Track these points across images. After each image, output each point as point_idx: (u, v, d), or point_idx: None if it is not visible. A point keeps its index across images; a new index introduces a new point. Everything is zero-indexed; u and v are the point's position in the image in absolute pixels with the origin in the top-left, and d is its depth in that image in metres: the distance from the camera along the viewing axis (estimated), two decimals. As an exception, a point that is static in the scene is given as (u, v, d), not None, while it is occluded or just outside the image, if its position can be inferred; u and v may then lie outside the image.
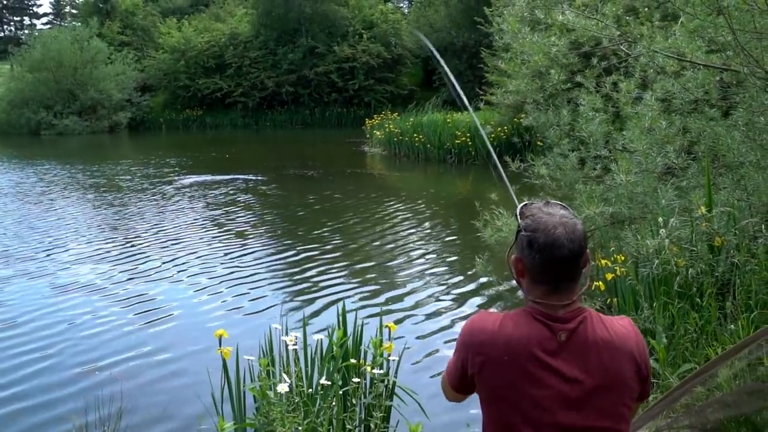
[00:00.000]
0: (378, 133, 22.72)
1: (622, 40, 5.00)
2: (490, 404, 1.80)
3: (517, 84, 5.94)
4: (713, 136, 4.67)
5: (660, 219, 4.37)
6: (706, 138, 4.78)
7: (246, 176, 17.66)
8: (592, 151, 5.29)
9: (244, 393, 3.57)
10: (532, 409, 1.72)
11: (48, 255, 9.47)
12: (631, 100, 5.01)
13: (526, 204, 1.86)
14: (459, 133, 18.75)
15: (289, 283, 8.10)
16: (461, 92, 2.81)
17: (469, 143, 18.42)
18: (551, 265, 1.73)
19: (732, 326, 3.71)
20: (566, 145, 5.43)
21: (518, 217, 1.82)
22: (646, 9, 5.75)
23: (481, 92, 15.58)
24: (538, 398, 1.71)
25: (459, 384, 1.87)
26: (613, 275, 4.73)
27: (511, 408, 1.75)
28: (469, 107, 3.13)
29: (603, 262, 4.83)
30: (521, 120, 15.80)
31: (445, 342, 6.10)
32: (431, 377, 5.19)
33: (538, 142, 13.45)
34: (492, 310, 6.80)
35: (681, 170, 4.86)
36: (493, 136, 17.84)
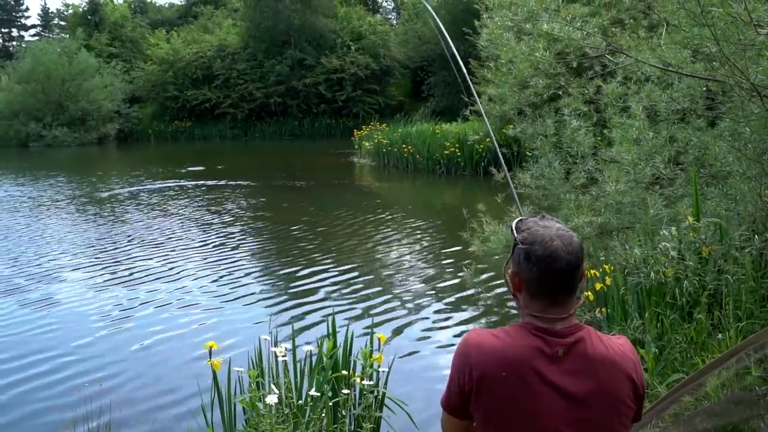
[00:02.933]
0: (367, 143, 22.77)
1: (608, 49, 5.04)
2: (487, 422, 1.77)
3: (501, 92, 5.96)
4: (700, 146, 4.70)
5: (649, 229, 4.40)
6: (693, 148, 4.81)
7: (234, 187, 17.64)
8: (578, 161, 5.32)
9: (234, 404, 3.55)
10: (531, 425, 1.71)
11: (33, 267, 9.39)
12: (617, 103, 5.03)
13: (521, 219, 1.86)
14: (448, 144, 18.81)
15: (278, 294, 8.07)
16: (467, 75, 2.82)
17: (458, 154, 18.48)
18: (549, 278, 1.72)
19: (720, 336, 3.72)
20: (552, 155, 5.46)
21: (514, 231, 1.81)
22: (632, 21, 5.81)
23: (470, 103, 15.63)
24: (537, 414, 1.70)
25: (458, 407, 1.82)
26: (602, 285, 4.75)
27: (509, 425, 1.73)
28: (474, 91, 3.14)
29: (591, 272, 4.84)
30: (508, 130, 15.97)
31: (435, 352, 6.09)
32: (421, 388, 5.19)
33: (527, 153, 13.56)
34: (482, 322, 6.84)
35: (669, 180, 4.89)
36: (481, 147, 17.92)
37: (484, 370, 1.73)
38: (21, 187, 18.80)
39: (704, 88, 4.72)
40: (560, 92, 5.57)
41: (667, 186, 4.92)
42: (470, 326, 6.74)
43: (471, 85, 2.99)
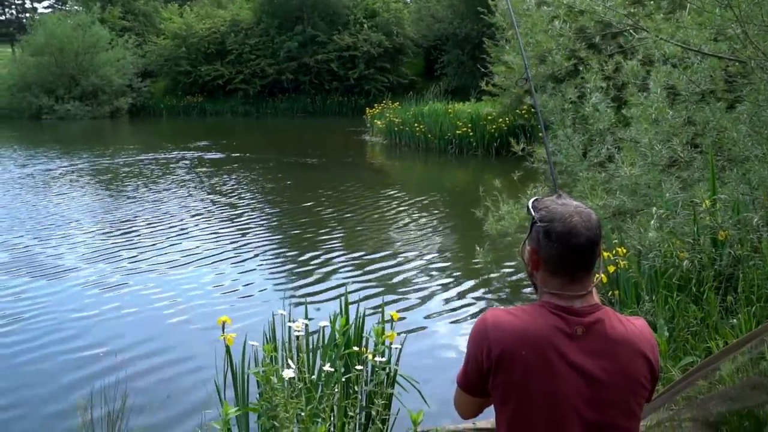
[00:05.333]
0: (379, 122, 22.69)
1: (629, 26, 4.97)
2: (505, 401, 1.77)
3: (520, 65, 5.89)
4: (718, 129, 4.66)
5: (663, 212, 4.37)
6: (711, 130, 4.77)
7: (246, 163, 17.66)
8: (596, 138, 5.27)
9: (248, 379, 3.58)
10: (549, 404, 1.71)
11: (47, 242, 9.46)
12: (637, 80, 4.98)
13: (537, 198, 1.86)
14: (460, 123, 18.72)
15: (290, 271, 8.11)
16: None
17: (470, 134, 18.39)
18: (569, 254, 1.73)
19: (734, 320, 3.72)
20: (571, 130, 5.41)
21: (531, 210, 1.82)
22: (652, 1, 5.73)
23: (484, 82, 15.53)
24: (556, 393, 1.70)
25: (475, 385, 1.82)
26: (615, 268, 4.74)
27: (527, 404, 1.73)
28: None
29: (605, 254, 4.83)
30: (524, 110, 15.89)
31: (446, 330, 6.12)
32: (432, 366, 5.22)
33: (539, 134, 13.48)
34: (494, 302, 6.84)
35: (686, 163, 4.85)
36: (494, 127, 17.85)
37: (504, 349, 1.73)
38: (37, 159, 18.85)
39: (724, 71, 4.66)
40: (579, 68, 5.52)
41: (684, 169, 4.88)
42: (482, 304, 6.76)
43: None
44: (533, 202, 1.84)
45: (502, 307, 1.87)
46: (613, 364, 1.72)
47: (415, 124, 20.13)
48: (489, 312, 1.83)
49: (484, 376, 1.77)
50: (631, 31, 5.09)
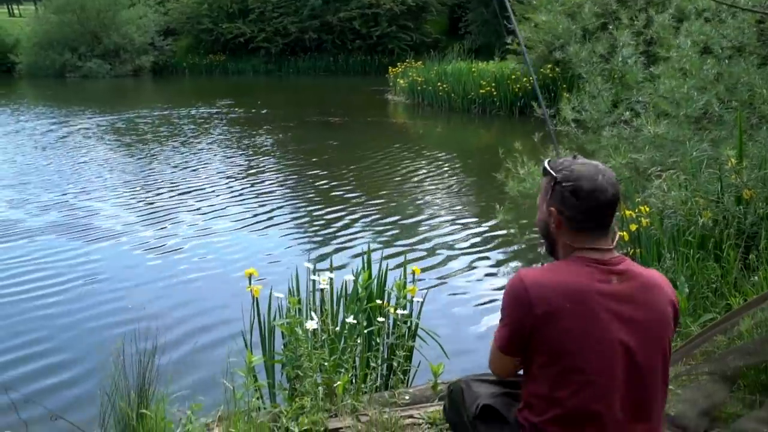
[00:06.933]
0: (401, 81, 22.50)
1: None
2: (553, 357, 1.79)
3: (548, 20, 5.80)
4: (749, 85, 4.58)
5: (689, 170, 4.34)
6: (742, 88, 4.69)
7: (269, 122, 17.68)
8: (624, 94, 5.19)
9: (273, 330, 3.67)
10: (597, 353, 1.76)
11: (75, 201, 9.60)
12: (670, 33, 4.88)
13: (551, 159, 1.91)
14: (484, 83, 18.51)
15: (313, 228, 8.20)
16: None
17: (494, 93, 18.20)
18: (597, 210, 1.80)
19: (755, 278, 3.72)
20: (600, 83, 5.33)
21: (550, 171, 1.85)
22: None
23: (510, 39, 15.28)
24: (603, 341, 1.75)
25: (517, 346, 1.84)
26: (638, 226, 4.73)
27: (577, 356, 1.76)
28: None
29: (627, 213, 4.82)
30: (548, 68, 15.62)
31: (466, 285, 6.21)
32: (452, 320, 5.30)
33: (563, 94, 13.30)
34: (514, 259, 6.89)
35: (717, 118, 4.79)
36: (518, 86, 17.64)
37: (548, 305, 1.76)
38: (79, 116, 18.97)
39: (757, 26, 4.57)
40: (609, 26, 5.43)
41: (716, 124, 4.81)
42: (501, 262, 6.82)
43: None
44: (549, 164, 1.89)
45: (530, 268, 1.92)
46: (647, 307, 1.79)
47: (438, 84, 19.94)
48: (521, 272, 1.85)
49: (527, 336, 1.80)
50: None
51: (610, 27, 5.47)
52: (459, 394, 2.15)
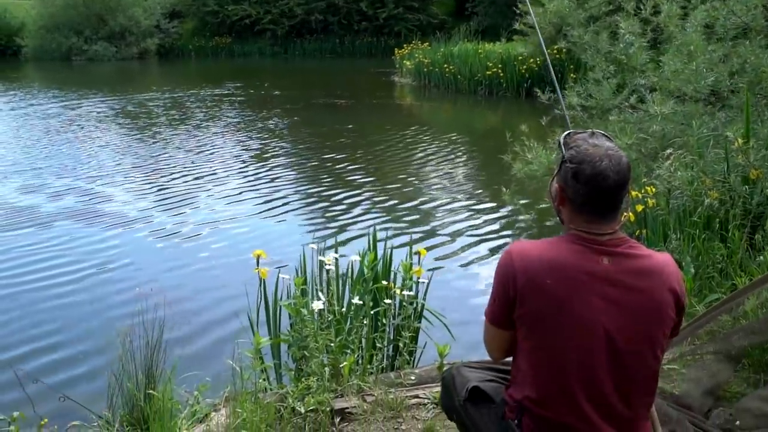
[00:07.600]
0: (408, 63, 22.39)
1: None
2: (532, 330, 1.79)
3: (555, 5, 5.77)
4: (756, 66, 4.55)
5: (694, 148, 4.33)
6: (749, 68, 4.66)
7: (275, 104, 17.65)
8: (628, 77, 5.18)
9: (280, 311, 3.69)
10: (576, 332, 1.73)
11: (91, 186, 9.60)
12: (676, 19, 4.85)
13: (569, 133, 1.85)
14: (491, 65, 18.39)
15: (320, 210, 8.22)
16: None
17: (501, 75, 18.09)
18: (596, 197, 1.74)
19: (761, 257, 3.72)
20: (604, 67, 5.31)
21: (562, 146, 1.81)
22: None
23: (518, 22, 15.17)
24: (583, 321, 1.73)
25: (502, 317, 1.84)
26: (644, 207, 4.73)
27: (554, 333, 1.75)
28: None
29: (633, 193, 4.82)
30: (555, 50, 15.50)
31: (472, 267, 6.22)
32: (458, 301, 5.31)
33: (571, 75, 13.23)
34: (519, 238, 6.89)
35: (724, 97, 4.76)
36: (525, 67, 17.53)
37: (530, 277, 1.75)
38: (89, 99, 18.94)
39: (761, 8, 4.53)
40: (617, 15, 5.40)
41: (723, 102, 4.79)
42: (507, 241, 6.82)
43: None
44: (565, 137, 1.83)
45: (526, 240, 1.91)
46: (638, 293, 1.74)
47: (445, 65, 19.84)
48: (514, 244, 1.86)
49: (511, 306, 1.79)
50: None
51: (617, 15, 5.45)
52: (450, 380, 2.16)
